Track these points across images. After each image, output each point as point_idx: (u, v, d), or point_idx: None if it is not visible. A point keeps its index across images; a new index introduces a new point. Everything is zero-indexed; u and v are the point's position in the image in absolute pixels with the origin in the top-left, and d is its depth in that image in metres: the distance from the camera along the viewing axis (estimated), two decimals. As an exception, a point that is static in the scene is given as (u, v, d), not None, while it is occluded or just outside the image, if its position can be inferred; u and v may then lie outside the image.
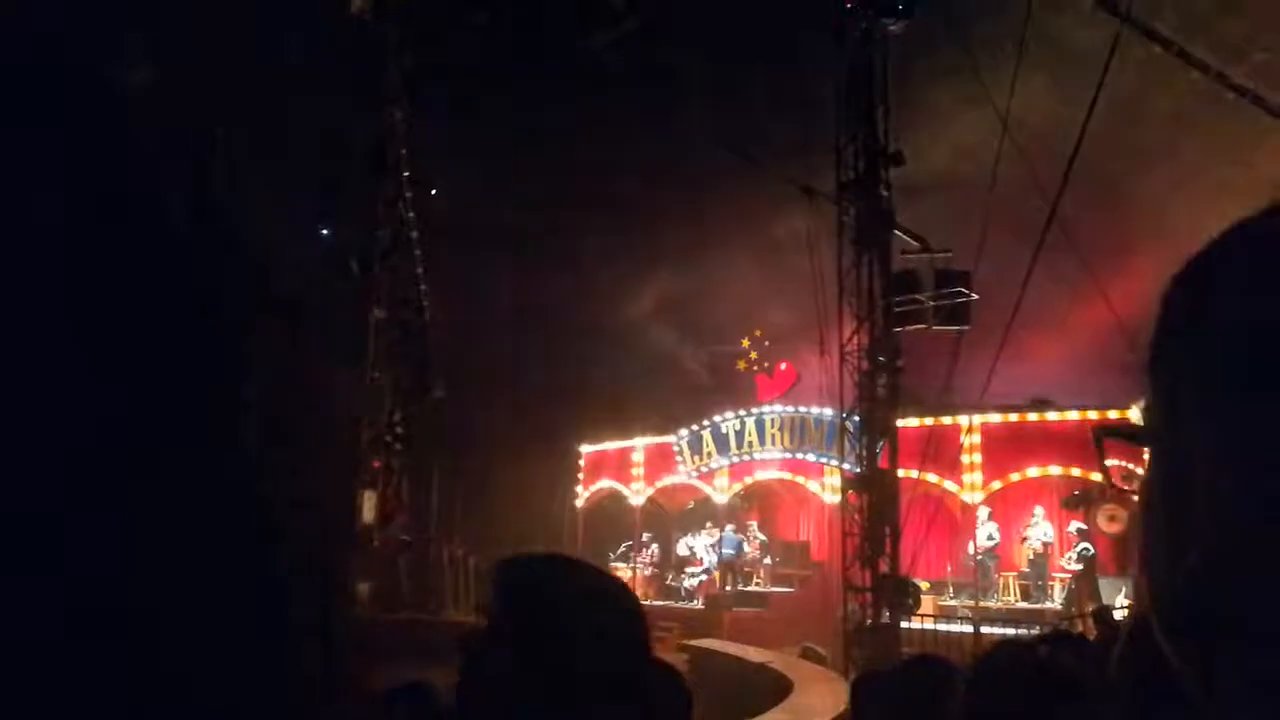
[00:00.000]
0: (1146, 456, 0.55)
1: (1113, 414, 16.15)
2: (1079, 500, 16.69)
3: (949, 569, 17.60)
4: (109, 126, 0.40)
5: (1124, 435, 0.58)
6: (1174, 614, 0.53)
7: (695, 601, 19.86)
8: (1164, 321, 0.54)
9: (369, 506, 16.97)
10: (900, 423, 13.43)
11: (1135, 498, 0.58)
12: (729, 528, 19.99)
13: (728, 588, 19.38)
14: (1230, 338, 0.50)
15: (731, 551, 19.80)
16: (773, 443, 19.47)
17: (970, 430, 17.02)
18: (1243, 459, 0.49)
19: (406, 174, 18.70)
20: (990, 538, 17.17)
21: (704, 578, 20.21)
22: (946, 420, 16.81)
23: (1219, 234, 0.53)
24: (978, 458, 17.07)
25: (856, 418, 13.16)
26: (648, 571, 21.35)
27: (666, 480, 21.55)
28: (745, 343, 22.55)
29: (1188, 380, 0.52)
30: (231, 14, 16.23)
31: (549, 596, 1.32)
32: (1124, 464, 0.62)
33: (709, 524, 20.75)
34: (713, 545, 20.21)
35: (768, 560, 20.11)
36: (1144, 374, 0.54)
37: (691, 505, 21.91)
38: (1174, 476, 0.52)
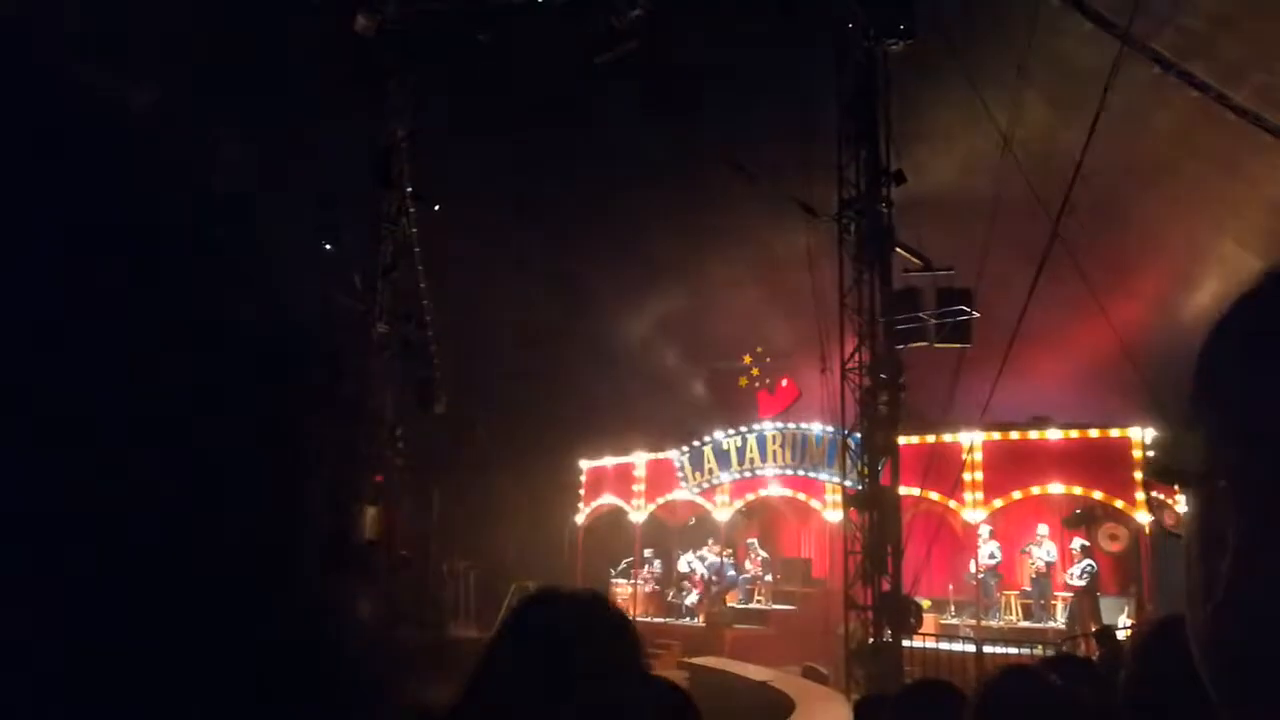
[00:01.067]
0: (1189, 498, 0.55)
1: (1114, 433, 16.16)
2: (1080, 519, 16.65)
3: (951, 588, 17.54)
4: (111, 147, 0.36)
5: (1167, 478, 0.58)
6: (1206, 649, 0.54)
7: (696, 619, 19.80)
8: (1203, 369, 0.54)
9: (370, 522, 16.90)
10: (902, 440, 13.41)
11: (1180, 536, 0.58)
12: (727, 556, 20.02)
13: (718, 607, 19.44)
14: (1264, 387, 0.49)
15: (734, 572, 19.86)
16: (774, 459, 19.46)
17: (972, 448, 17.00)
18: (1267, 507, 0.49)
19: (409, 189, 18.74)
20: (992, 556, 17.12)
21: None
22: (948, 438, 16.80)
23: (1254, 282, 0.53)
24: (979, 476, 17.04)
25: (858, 435, 13.15)
26: (648, 588, 21.28)
27: (667, 496, 21.52)
28: (747, 359, 22.55)
29: (1223, 428, 0.52)
30: (235, 29, 16.31)
31: (540, 627, 1.38)
32: (1160, 496, 0.62)
33: (710, 540, 20.71)
34: (713, 565, 20.20)
35: (769, 577, 20.06)
36: (1186, 419, 0.54)
37: (693, 521, 21.87)
38: (1207, 520, 0.53)
